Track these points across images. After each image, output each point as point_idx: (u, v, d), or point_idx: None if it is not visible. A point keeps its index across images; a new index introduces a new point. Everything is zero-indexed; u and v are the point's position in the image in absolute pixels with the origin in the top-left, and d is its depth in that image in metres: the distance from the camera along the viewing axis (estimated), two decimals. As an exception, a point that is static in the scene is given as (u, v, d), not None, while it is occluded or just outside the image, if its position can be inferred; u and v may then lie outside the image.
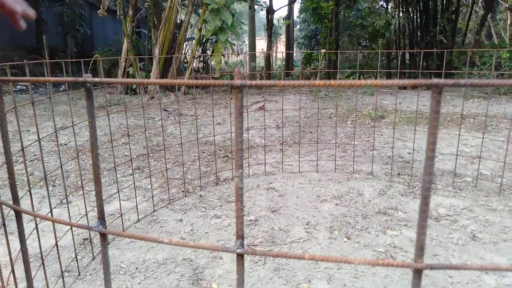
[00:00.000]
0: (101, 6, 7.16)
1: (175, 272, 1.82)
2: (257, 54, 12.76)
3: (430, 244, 2.03)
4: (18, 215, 0.45)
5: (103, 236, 0.39)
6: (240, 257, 0.35)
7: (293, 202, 2.59)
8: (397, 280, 1.73)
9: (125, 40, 7.61)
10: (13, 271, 1.16)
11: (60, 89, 8.42)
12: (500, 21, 13.83)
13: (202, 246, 0.36)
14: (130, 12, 7.60)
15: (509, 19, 12.07)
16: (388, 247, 2.00)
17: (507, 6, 11.16)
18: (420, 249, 0.33)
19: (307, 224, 2.26)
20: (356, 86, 0.32)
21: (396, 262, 0.34)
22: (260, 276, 1.78)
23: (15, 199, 0.46)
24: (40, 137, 1.60)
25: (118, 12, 7.36)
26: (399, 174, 3.08)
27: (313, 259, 0.34)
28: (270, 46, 12.07)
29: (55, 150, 3.78)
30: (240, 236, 0.35)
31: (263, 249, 1.98)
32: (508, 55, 6.68)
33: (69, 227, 1.93)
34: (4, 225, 0.99)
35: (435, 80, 0.31)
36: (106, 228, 0.39)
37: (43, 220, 1.69)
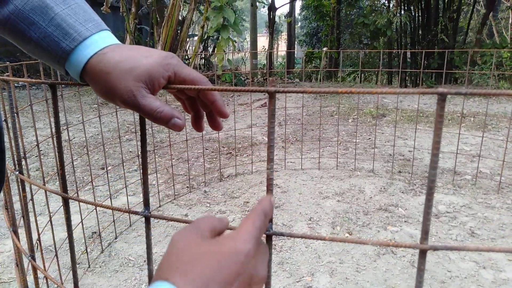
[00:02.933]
0: (104, 3, 7.19)
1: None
2: (258, 51, 12.79)
3: (430, 240, 2.08)
4: (66, 202, 0.50)
5: (147, 220, 0.45)
6: (269, 238, 0.40)
7: (295, 198, 2.65)
8: (397, 274, 1.79)
9: (128, 37, 7.65)
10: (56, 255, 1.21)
11: (63, 86, 8.47)
12: (502, 20, 13.86)
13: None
14: (133, 9, 7.64)
15: (510, 18, 12.09)
16: (389, 243, 2.05)
17: (509, 5, 11.18)
18: (425, 233, 0.38)
19: (310, 219, 2.32)
20: (374, 93, 0.37)
21: (404, 244, 0.39)
22: (265, 270, 1.84)
23: (65, 188, 0.51)
24: (45, 134, 1.65)
25: (121, 9, 7.40)
26: (400, 171, 3.13)
27: (333, 240, 0.39)
28: (271, 43, 12.09)
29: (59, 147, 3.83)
30: (271, 220, 0.40)
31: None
32: (508, 54, 6.72)
33: (78, 221, 1.98)
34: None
35: (440, 90, 0.36)
36: (150, 213, 0.44)
37: (55, 213, 1.75)
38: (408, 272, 1.80)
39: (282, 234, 0.41)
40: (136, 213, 0.46)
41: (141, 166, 3.27)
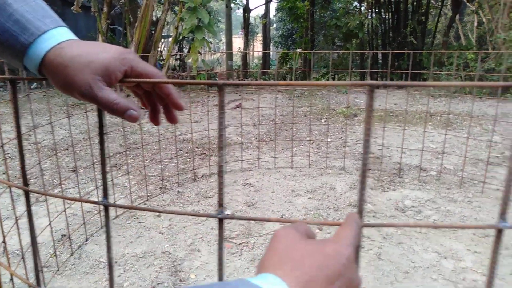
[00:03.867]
0: (75, 3, 7.04)
1: (154, 265, 1.88)
2: (234, 52, 12.81)
3: (395, 233, 2.17)
4: (27, 195, 0.51)
5: (107, 209, 0.47)
6: (220, 221, 0.43)
7: (268, 196, 2.69)
8: (364, 266, 1.86)
9: (100, 38, 7.51)
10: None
11: (32, 86, 8.21)
12: (468, 23, 14.45)
13: (193, 214, 0.44)
14: (105, 9, 7.50)
15: (475, 22, 12.63)
16: (357, 237, 2.12)
17: (473, 9, 11.67)
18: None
19: (282, 217, 2.36)
20: (307, 86, 0.41)
21: (328, 222, 0.43)
22: (237, 266, 1.87)
23: (25, 182, 0.52)
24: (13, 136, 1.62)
25: (92, 8, 7.26)
26: (369, 169, 3.23)
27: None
28: (247, 44, 12.14)
29: (29, 149, 3.73)
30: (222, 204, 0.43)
31: (239, 241, 2.07)
32: (473, 56, 7.03)
33: (46, 224, 1.94)
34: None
35: (369, 82, 0.40)
36: (108, 202, 0.47)
37: (20, 218, 1.71)
38: (374, 264, 1.87)
39: (232, 218, 0.44)
40: (95, 202, 0.48)
41: (112, 168, 3.23)
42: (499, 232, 0.41)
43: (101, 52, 0.45)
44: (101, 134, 0.48)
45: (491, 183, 2.83)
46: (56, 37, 0.45)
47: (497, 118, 2.85)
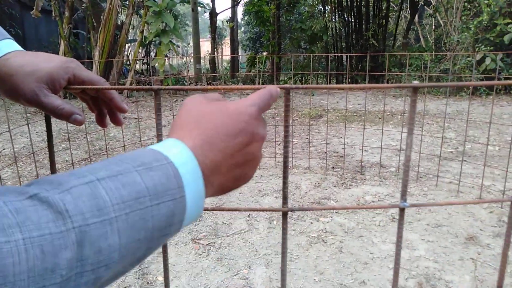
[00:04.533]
0: (34, 7, 6.83)
1: (121, 269, 1.89)
2: (202, 56, 12.79)
3: (357, 227, 2.28)
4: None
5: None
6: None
7: (236, 197, 2.74)
8: (326, 260, 1.95)
9: (62, 42, 7.32)
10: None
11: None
12: (426, 26, 15.14)
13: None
14: (67, 13, 7.33)
15: (433, 25, 13.26)
16: (320, 232, 2.22)
17: (431, 12, 12.25)
18: (284, 197, 0.49)
19: (249, 216, 2.43)
20: (220, 89, 0.46)
21: (267, 208, 0.49)
22: (204, 266, 1.91)
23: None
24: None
25: (53, 13, 7.07)
26: (333, 167, 3.35)
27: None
28: (214, 48, 12.16)
29: (-12, 158, 3.60)
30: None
31: (207, 242, 2.11)
32: (430, 57, 7.39)
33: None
34: None
35: (286, 85, 0.47)
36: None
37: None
38: (336, 257, 1.97)
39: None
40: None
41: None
42: (402, 210, 0.49)
43: (45, 61, 0.49)
44: (50, 139, 0.52)
45: (444, 177, 3.01)
46: (2, 49, 0.49)
47: (451, 116, 3.04)
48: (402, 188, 0.49)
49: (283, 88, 0.46)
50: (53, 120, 2.39)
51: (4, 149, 3.95)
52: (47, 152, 2.99)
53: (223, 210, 0.53)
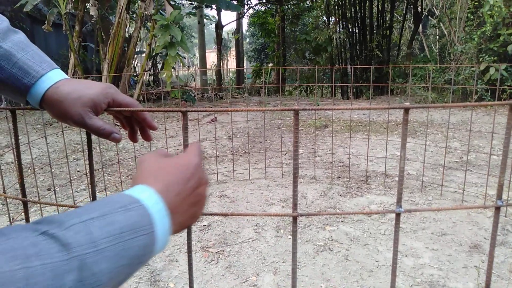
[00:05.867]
0: (46, 22, 7.02)
1: (134, 276, 1.95)
2: (208, 68, 12.96)
3: (362, 235, 2.33)
4: (25, 205, 0.61)
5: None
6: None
7: (243, 207, 2.81)
8: (333, 267, 2.00)
9: (72, 55, 7.50)
10: None
11: (0, 105, 8.05)
12: (431, 36, 15.24)
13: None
14: (77, 27, 7.52)
15: (437, 35, 13.36)
16: (327, 241, 2.27)
17: (435, 22, 12.36)
18: (294, 204, 0.56)
19: (256, 225, 2.48)
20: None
21: (279, 213, 0.56)
22: (214, 274, 1.97)
23: (24, 194, 0.62)
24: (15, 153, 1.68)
25: (64, 27, 7.26)
26: (338, 177, 3.41)
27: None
28: (220, 60, 12.33)
29: (1, 169, 3.70)
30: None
31: (216, 250, 2.17)
32: (434, 67, 7.46)
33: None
34: None
35: (295, 107, 0.54)
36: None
37: None
38: (342, 265, 2.02)
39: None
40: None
41: (89, 185, 3.27)
42: (398, 215, 0.56)
43: (88, 88, 0.58)
44: (90, 151, 0.60)
45: (449, 186, 3.05)
46: (52, 78, 0.58)
47: (456, 126, 3.09)
48: (398, 194, 0.56)
49: (293, 109, 0.54)
50: (65, 132, 2.48)
51: (16, 160, 4.05)
52: (59, 163, 3.08)
53: (239, 215, 0.60)
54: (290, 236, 2.33)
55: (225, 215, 0.58)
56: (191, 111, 0.53)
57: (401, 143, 0.53)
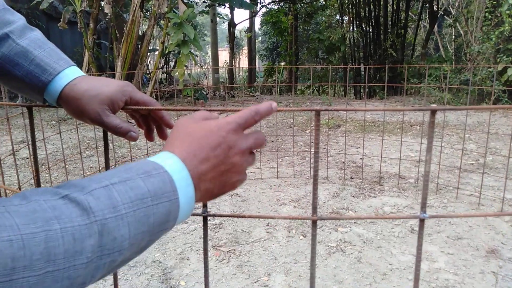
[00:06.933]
0: (61, 19, 7.11)
1: (145, 273, 1.96)
2: (220, 66, 12.98)
3: (375, 238, 2.29)
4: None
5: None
6: (204, 219, 0.54)
7: (255, 206, 2.79)
8: (345, 270, 1.97)
9: (86, 53, 7.58)
10: None
11: (17, 101, 8.19)
12: (446, 35, 14.98)
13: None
14: (91, 25, 7.59)
15: (453, 35, 13.12)
16: (339, 242, 2.24)
17: (451, 22, 12.15)
18: (314, 208, 0.54)
19: (268, 225, 2.47)
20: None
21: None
22: (225, 273, 1.96)
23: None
24: (1, 152, 1.70)
25: (79, 25, 7.34)
26: (351, 178, 3.37)
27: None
28: (232, 58, 12.33)
29: (17, 164, 3.76)
30: (205, 205, 0.53)
31: (227, 249, 2.16)
32: (449, 67, 7.33)
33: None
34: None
35: (316, 107, 0.52)
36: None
37: None
38: (354, 267, 1.99)
39: (214, 215, 0.55)
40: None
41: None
42: (422, 221, 0.54)
43: (106, 86, 0.57)
44: (106, 148, 0.59)
45: (465, 189, 2.99)
46: (69, 75, 0.57)
47: (472, 128, 3.02)
48: (422, 200, 0.54)
49: (314, 110, 0.52)
50: (79, 128, 2.50)
51: (32, 155, 4.12)
52: (72, 159, 3.11)
53: (259, 217, 0.59)
54: (302, 237, 2.31)
55: (242, 216, 0.56)
56: (209, 110, 0.52)
57: (427, 146, 0.51)
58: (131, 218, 0.35)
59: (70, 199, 0.32)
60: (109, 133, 0.60)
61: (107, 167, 0.62)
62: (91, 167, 3.77)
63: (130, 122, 0.63)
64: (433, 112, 0.50)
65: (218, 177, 0.43)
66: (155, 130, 0.65)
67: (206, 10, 11.52)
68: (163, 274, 1.94)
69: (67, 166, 3.80)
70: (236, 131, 0.44)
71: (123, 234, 0.34)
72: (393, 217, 0.56)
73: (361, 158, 3.87)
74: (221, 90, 10.10)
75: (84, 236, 0.31)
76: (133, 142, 4.77)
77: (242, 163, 0.45)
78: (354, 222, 2.49)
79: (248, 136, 0.46)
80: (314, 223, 0.55)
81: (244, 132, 0.46)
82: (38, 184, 0.66)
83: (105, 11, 7.52)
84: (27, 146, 4.37)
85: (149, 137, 0.65)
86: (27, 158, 4.04)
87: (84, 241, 0.31)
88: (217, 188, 0.44)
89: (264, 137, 0.48)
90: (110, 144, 3.64)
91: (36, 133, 5.23)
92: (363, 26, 9.48)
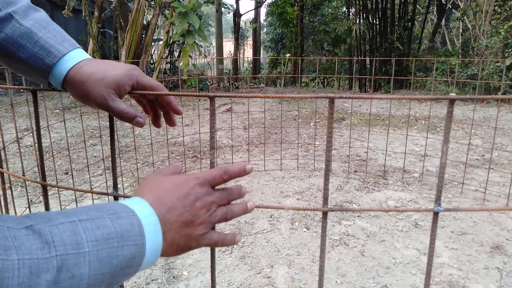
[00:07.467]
0: (66, 7, 7.07)
1: (148, 263, 1.96)
2: (225, 57, 12.91)
3: (379, 231, 2.28)
4: (45, 189, 0.60)
5: (116, 199, 0.56)
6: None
7: (258, 198, 2.79)
8: (348, 263, 1.96)
9: (91, 41, 7.54)
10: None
11: (21, 90, 8.19)
12: (453, 29, 14.80)
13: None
14: (96, 13, 7.55)
15: (461, 28, 12.96)
16: (342, 235, 2.23)
17: (459, 15, 11.99)
18: (325, 198, 0.52)
19: (271, 217, 2.46)
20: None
21: (311, 207, 0.53)
22: (227, 264, 1.96)
23: (44, 177, 0.61)
24: (6, 139, 1.69)
25: (83, 12, 7.29)
26: (355, 171, 3.35)
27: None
28: (237, 49, 12.25)
29: (21, 152, 3.77)
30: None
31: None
32: (456, 61, 7.25)
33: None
34: None
35: (330, 94, 0.50)
36: (117, 193, 0.56)
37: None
38: (357, 260, 1.98)
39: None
40: (105, 193, 0.57)
41: (106, 170, 3.30)
42: (436, 214, 0.52)
43: (112, 69, 0.54)
44: (112, 135, 0.57)
45: (470, 184, 2.96)
46: (75, 58, 0.55)
47: (478, 123, 2.99)
48: (437, 192, 0.52)
49: (328, 97, 0.50)
50: (83, 117, 2.50)
51: (36, 143, 4.12)
52: (76, 148, 3.10)
53: (268, 208, 0.57)
54: (305, 229, 2.30)
55: (256, 207, 0.55)
56: (219, 96, 0.50)
57: (444, 137, 0.49)
58: (93, 257, 0.34)
59: (33, 230, 0.32)
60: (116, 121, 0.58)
61: (112, 156, 0.61)
62: (94, 156, 3.77)
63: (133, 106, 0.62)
64: (452, 102, 0.48)
65: (183, 227, 0.43)
66: (162, 116, 0.64)
67: (211, 0, 11.43)
68: (166, 263, 1.94)
69: (71, 154, 3.80)
70: (203, 185, 0.46)
71: (82, 273, 0.33)
72: (405, 210, 0.54)
73: (365, 152, 3.84)
74: (225, 81, 10.06)
75: (41, 271, 0.30)
76: (136, 132, 4.76)
77: (207, 217, 0.45)
78: (358, 216, 2.48)
79: (215, 191, 0.47)
80: (325, 214, 0.54)
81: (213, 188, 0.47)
82: (42, 171, 0.65)
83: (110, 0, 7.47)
84: (31, 134, 4.38)
85: (156, 123, 0.63)
86: (31, 146, 4.05)
87: (40, 275, 0.30)
88: (183, 240, 0.43)
89: (238, 196, 0.50)
90: (114, 134, 3.64)
91: (40, 121, 5.25)
92: (370, 18, 9.37)
